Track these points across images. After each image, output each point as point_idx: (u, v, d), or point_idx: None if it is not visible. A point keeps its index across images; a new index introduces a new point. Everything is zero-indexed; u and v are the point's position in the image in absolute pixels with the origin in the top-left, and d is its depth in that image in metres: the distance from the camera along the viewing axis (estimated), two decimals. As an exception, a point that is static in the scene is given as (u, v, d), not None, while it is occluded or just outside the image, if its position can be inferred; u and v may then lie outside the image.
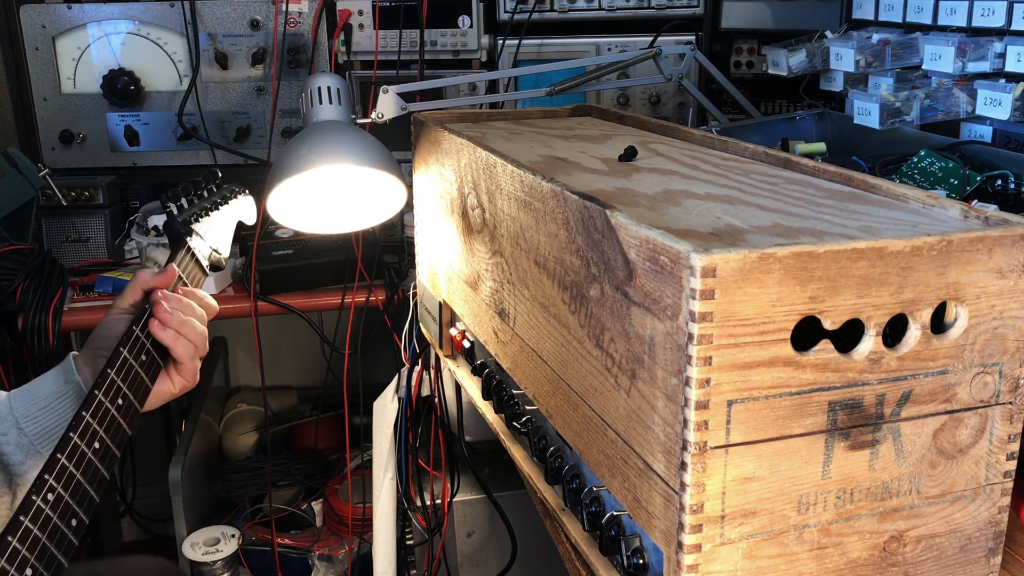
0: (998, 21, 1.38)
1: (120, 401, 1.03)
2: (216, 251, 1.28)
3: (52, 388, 1.15)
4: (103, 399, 1.01)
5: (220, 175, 1.38)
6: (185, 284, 1.23)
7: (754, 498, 0.78)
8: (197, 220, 1.26)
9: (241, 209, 1.40)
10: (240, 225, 1.44)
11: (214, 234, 1.29)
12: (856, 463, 0.81)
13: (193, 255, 1.24)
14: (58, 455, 0.93)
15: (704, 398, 0.74)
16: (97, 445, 0.97)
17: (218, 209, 1.32)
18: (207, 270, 1.28)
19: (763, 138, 1.69)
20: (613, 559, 0.96)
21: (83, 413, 0.98)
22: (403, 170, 1.55)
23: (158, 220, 1.91)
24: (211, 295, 1.84)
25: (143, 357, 1.10)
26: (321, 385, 2.32)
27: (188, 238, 1.23)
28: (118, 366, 1.06)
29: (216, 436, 2.49)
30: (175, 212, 1.24)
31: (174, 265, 1.19)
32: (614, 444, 0.89)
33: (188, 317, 1.17)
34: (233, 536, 2.19)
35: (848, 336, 0.79)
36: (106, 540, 2.43)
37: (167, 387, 1.18)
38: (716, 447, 0.76)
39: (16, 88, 2.11)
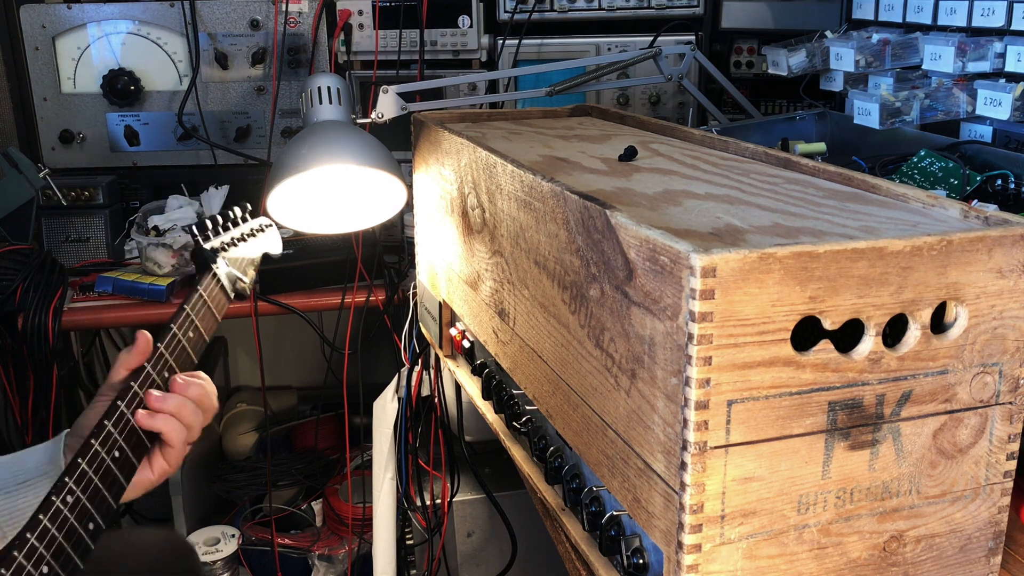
0: (998, 21, 1.38)
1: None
2: (241, 279, 1.32)
3: (36, 463, 1.06)
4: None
5: (250, 207, 1.41)
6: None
7: (754, 498, 0.78)
8: (225, 249, 1.31)
9: (267, 241, 1.44)
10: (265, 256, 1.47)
11: (240, 263, 1.34)
12: (856, 463, 0.81)
13: (219, 281, 1.27)
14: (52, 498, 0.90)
15: (704, 398, 0.74)
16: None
17: (246, 241, 1.37)
18: (231, 296, 1.31)
19: (763, 138, 1.69)
20: (613, 559, 0.96)
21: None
22: (403, 170, 1.55)
23: (158, 220, 1.92)
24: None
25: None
26: (321, 385, 2.32)
27: (214, 264, 1.27)
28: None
29: (216, 436, 2.49)
30: (201, 239, 1.28)
31: (145, 332, 1.11)
32: (614, 444, 0.89)
33: (186, 399, 1.08)
34: (233, 536, 2.19)
35: (848, 336, 0.79)
36: (106, 540, 2.43)
37: (146, 475, 1.07)
38: (716, 447, 0.76)
39: (16, 88, 2.11)
